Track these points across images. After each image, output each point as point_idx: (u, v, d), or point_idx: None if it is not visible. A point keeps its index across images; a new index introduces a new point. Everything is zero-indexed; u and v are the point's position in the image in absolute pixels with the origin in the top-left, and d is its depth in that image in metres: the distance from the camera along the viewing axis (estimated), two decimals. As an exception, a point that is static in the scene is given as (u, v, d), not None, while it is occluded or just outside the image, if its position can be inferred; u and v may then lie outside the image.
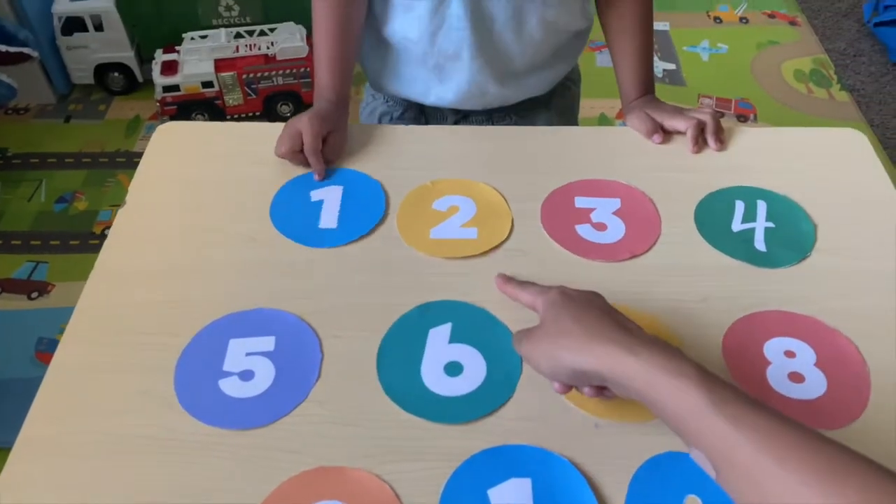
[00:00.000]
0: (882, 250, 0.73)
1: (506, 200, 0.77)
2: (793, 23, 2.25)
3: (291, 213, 0.76)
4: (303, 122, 0.79)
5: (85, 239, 1.56)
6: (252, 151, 0.82)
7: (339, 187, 0.79)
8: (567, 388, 0.57)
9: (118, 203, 0.75)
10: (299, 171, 0.80)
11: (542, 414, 0.60)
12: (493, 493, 0.55)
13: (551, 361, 0.54)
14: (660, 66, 2.06)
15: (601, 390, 0.55)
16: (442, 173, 0.80)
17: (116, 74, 1.86)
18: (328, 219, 0.75)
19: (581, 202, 0.77)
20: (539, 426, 0.59)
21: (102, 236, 1.55)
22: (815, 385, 0.62)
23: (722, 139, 0.83)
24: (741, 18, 2.20)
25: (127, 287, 0.69)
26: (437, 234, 0.74)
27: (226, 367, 0.63)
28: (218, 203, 0.77)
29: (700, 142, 0.83)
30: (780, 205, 0.77)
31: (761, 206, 0.77)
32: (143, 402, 0.60)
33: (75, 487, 0.55)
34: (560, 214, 0.76)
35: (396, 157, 0.82)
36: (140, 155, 0.83)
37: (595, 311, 0.55)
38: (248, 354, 0.64)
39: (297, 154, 0.79)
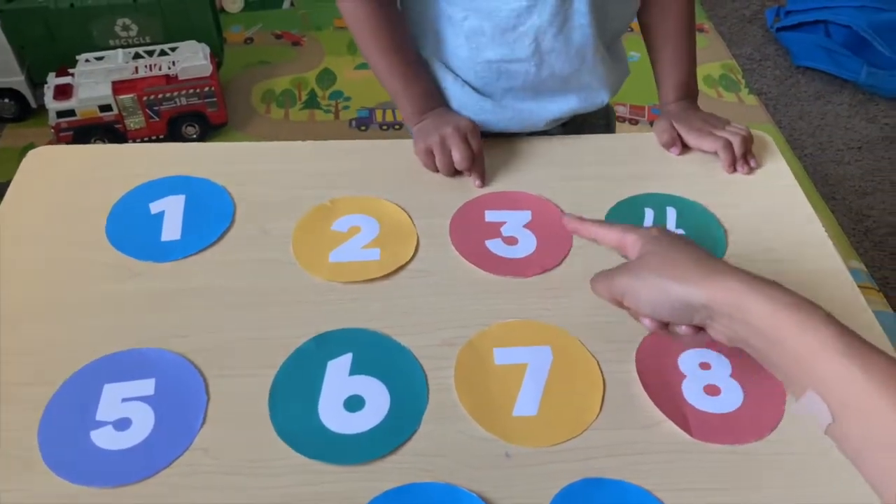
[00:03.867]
0: (792, 252, 0.72)
1: (411, 218, 0.73)
2: (701, 30, 2.30)
3: (132, 229, 0.70)
4: (450, 136, 0.76)
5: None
6: (122, 175, 0.75)
7: (182, 196, 0.74)
8: (662, 325, 0.53)
9: None
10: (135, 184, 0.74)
11: (450, 447, 0.56)
12: (399, 539, 0.51)
13: (656, 292, 0.51)
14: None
15: (698, 330, 0.52)
16: (342, 191, 0.75)
17: (7, 101, 1.74)
18: (171, 230, 0.70)
19: (491, 216, 0.74)
20: (447, 461, 0.55)
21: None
22: (731, 397, 0.60)
23: (751, 163, 0.80)
24: (652, 27, 2.24)
25: (-16, 333, 0.61)
26: (336, 257, 0.69)
27: (99, 417, 0.56)
28: (88, 233, 0.70)
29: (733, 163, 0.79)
30: (689, 211, 0.75)
31: (671, 213, 0.75)
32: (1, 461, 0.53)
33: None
34: (470, 229, 0.72)
35: (293, 175, 0.77)
36: None
37: (696, 248, 0.53)
38: (124, 400, 0.57)
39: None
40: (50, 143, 1.72)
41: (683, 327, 0.52)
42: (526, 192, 0.77)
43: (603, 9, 0.78)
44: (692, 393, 0.60)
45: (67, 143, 1.61)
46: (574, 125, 0.90)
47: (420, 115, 0.81)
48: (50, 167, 0.77)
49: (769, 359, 0.47)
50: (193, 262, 0.68)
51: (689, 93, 0.86)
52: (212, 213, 0.72)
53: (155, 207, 0.73)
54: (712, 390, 0.60)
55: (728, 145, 0.79)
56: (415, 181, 0.77)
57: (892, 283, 1.59)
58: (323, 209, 0.73)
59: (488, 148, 0.80)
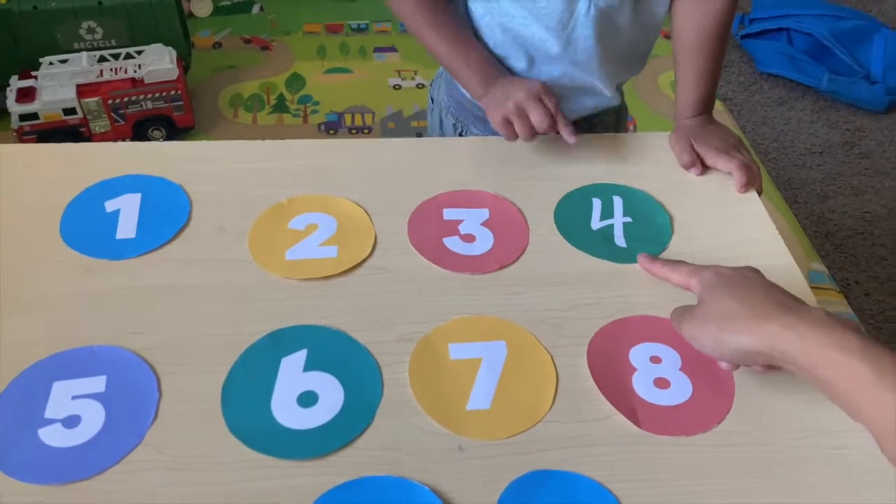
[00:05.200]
0: (739, 245, 0.73)
1: (369, 216, 0.73)
2: (667, 37, 2.33)
3: (87, 228, 0.70)
4: (525, 101, 0.76)
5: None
6: (78, 174, 0.75)
7: (137, 195, 0.73)
8: (735, 366, 0.57)
9: None
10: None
11: (403, 441, 0.56)
12: (349, 533, 0.51)
13: (716, 343, 0.54)
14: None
15: (772, 367, 0.54)
16: (300, 190, 0.75)
17: (-32, 104, 1.71)
18: (126, 228, 0.70)
19: (449, 214, 0.75)
20: (400, 455, 0.55)
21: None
22: (680, 390, 0.61)
23: (755, 187, 0.81)
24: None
25: (-69, 332, 0.60)
26: (293, 254, 0.69)
27: (48, 414, 0.56)
28: (42, 231, 0.69)
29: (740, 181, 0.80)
30: (635, 199, 0.77)
31: (617, 202, 0.76)
32: (-57, 464, 0.52)
33: None
34: (428, 227, 0.73)
35: (253, 173, 0.77)
36: None
37: (754, 288, 0.55)
38: (74, 398, 0.57)
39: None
40: (12, 146, 1.70)
41: (757, 367, 0.55)
42: (483, 190, 0.77)
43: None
44: (642, 386, 0.60)
45: (30, 146, 1.59)
46: (586, 124, 0.92)
47: (486, 86, 0.81)
48: (4, 165, 0.76)
49: (827, 394, 0.49)
50: (148, 260, 0.68)
51: (708, 108, 0.85)
52: (168, 212, 0.72)
53: (110, 206, 0.72)
54: (662, 383, 0.61)
55: (742, 166, 0.79)
56: (373, 180, 0.77)
57: (853, 285, 1.63)
58: (280, 207, 0.73)
59: (450, 150, 0.80)
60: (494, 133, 0.81)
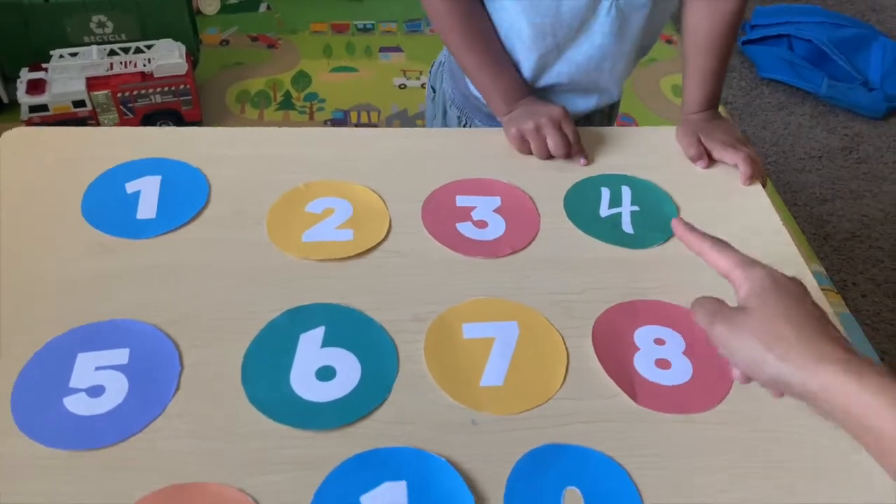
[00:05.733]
0: (745, 236, 0.75)
1: (384, 201, 0.75)
2: (669, 41, 2.36)
3: (107, 208, 0.72)
4: (545, 125, 0.80)
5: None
6: (97, 156, 0.76)
7: (157, 177, 0.75)
8: (748, 379, 0.51)
9: None
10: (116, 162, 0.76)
11: (419, 414, 0.58)
12: (367, 499, 0.52)
13: (751, 360, 0.47)
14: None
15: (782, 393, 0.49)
16: (316, 176, 0.77)
17: (-23, 95, 1.73)
18: (146, 209, 0.72)
19: (462, 201, 0.76)
20: (415, 427, 0.57)
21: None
22: (681, 371, 0.62)
23: (760, 180, 0.82)
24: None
25: (-42, 304, 0.62)
26: (309, 236, 0.71)
27: (72, 384, 0.57)
28: (61, 211, 0.71)
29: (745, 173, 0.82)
30: (643, 189, 0.79)
31: (626, 192, 0.78)
32: (-28, 429, 0.54)
33: None
34: (441, 213, 0.74)
35: (271, 159, 0.79)
36: None
37: (807, 308, 0.48)
38: (98, 369, 0.58)
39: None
40: (21, 138, 1.71)
41: (773, 392, 0.51)
42: (495, 179, 0.79)
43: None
44: (643, 365, 0.62)
45: (39, 137, 1.60)
46: (583, 119, 0.95)
47: (510, 105, 0.84)
48: (25, 148, 0.78)
49: (859, 439, 0.44)
50: (168, 240, 0.69)
51: (714, 104, 0.87)
52: (187, 194, 0.73)
53: (131, 187, 0.74)
54: (663, 364, 0.63)
55: (747, 159, 0.81)
56: (387, 168, 0.79)
57: (850, 287, 1.65)
58: (297, 192, 0.75)
59: (461, 140, 0.82)
60: (499, 126, 0.83)
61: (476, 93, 0.93)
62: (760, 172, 0.82)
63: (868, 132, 2.09)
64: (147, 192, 0.73)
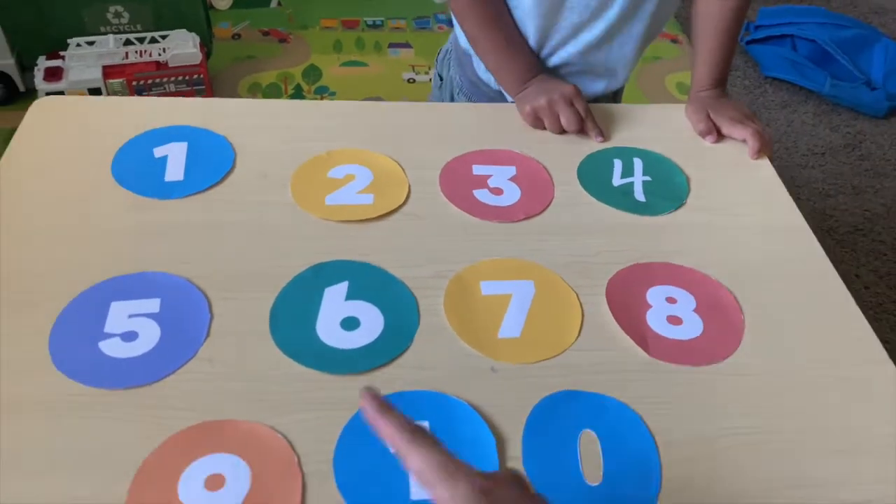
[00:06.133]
0: (755, 206, 0.78)
1: (403, 169, 0.77)
2: (674, 40, 2.39)
3: (136, 170, 0.74)
4: (557, 101, 0.83)
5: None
6: (125, 124, 0.79)
7: (184, 143, 0.77)
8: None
9: None
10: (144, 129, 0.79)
11: (440, 362, 0.60)
12: (392, 438, 0.54)
13: None
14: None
15: None
16: (337, 145, 0.80)
17: (-6, 83, 1.76)
18: (174, 171, 0.74)
19: (478, 170, 0.79)
20: (437, 373, 0.59)
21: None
22: (691, 327, 0.65)
23: (768, 154, 0.85)
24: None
25: (-4, 255, 0.64)
26: (332, 200, 0.73)
27: (107, 329, 0.59)
28: (93, 173, 0.73)
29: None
30: (654, 161, 0.82)
31: (637, 163, 0.81)
32: (12, 367, 0.56)
33: (-69, 455, 0.50)
34: (458, 181, 0.77)
35: (293, 129, 0.81)
36: None
37: None
38: (130, 316, 0.61)
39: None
40: (37, 125, 1.74)
41: None
42: (510, 149, 0.81)
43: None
44: (655, 321, 0.64)
45: (56, 124, 1.63)
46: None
47: (522, 84, 0.87)
48: (55, 115, 0.80)
49: None
50: (196, 200, 0.72)
51: (723, 82, 0.90)
52: (213, 159, 0.76)
53: (159, 152, 0.76)
54: (675, 320, 0.65)
55: (756, 134, 0.84)
56: (405, 139, 0.81)
57: (853, 279, 1.67)
58: (320, 159, 0.77)
59: (476, 114, 0.85)
60: None
61: (484, 77, 0.95)
62: (768, 147, 0.84)
63: (870, 130, 2.11)
64: (174, 157, 0.76)
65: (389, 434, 0.42)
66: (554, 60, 0.91)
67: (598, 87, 0.95)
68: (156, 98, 0.82)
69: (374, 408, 0.43)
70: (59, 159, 0.75)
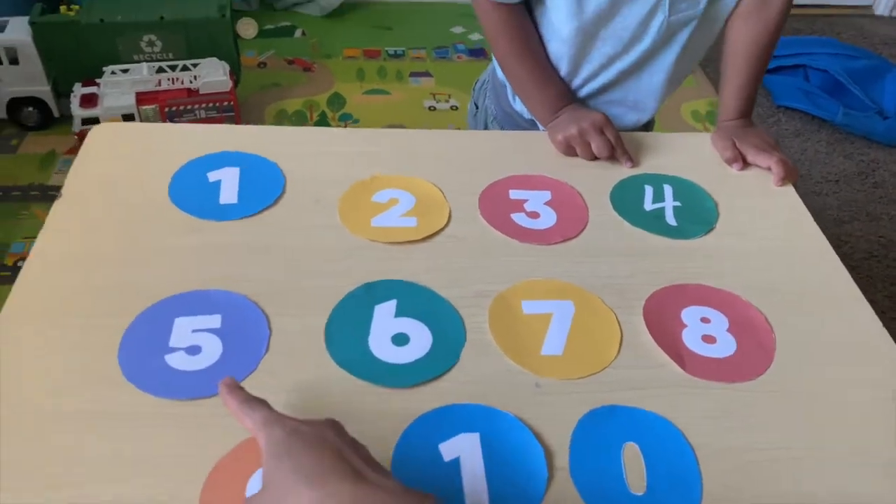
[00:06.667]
0: (781, 233, 0.81)
1: (443, 193, 0.81)
2: (689, 71, 2.44)
3: (192, 193, 0.78)
4: (588, 130, 0.86)
5: (-6, 271, 1.50)
6: (179, 150, 0.83)
7: (236, 168, 0.81)
8: None
9: (33, 235, 0.73)
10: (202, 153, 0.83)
11: (487, 377, 0.63)
12: (444, 448, 0.57)
13: None
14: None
15: None
16: (380, 170, 0.83)
17: (31, 109, 1.81)
18: (228, 195, 0.78)
19: (515, 194, 0.82)
20: (483, 388, 0.62)
21: (14, 268, 1.49)
22: (725, 346, 0.67)
23: (792, 181, 0.88)
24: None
25: (65, 272, 0.68)
26: (378, 222, 0.77)
27: (172, 343, 0.63)
28: (151, 195, 0.77)
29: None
30: (683, 187, 0.85)
31: (668, 189, 0.84)
32: (85, 379, 0.59)
33: (16, 464, 0.53)
34: (496, 205, 0.80)
35: (338, 155, 0.85)
36: (56, 188, 0.82)
37: (327, 452, 0.45)
38: (194, 331, 0.64)
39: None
40: (71, 150, 1.79)
41: None
42: (544, 175, 0.85)
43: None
44: (691, 339, 0.67)
45: (90, 149, 1.68)
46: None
47: (553, 113, 0.91)
48: (114, 141, 0.85)
49: None
50: (250, 223, 0.75)
51: (749, 112, 0.94)
52: (265, 183, 0.80)
53: (212, 176, 0.80)
54: (709, 339, 0.68)
55: (781, 162, 0.87)
56: (444, 165, 0.85)
57: (870, 303, 1.69)
58: (364, 184, 0.81)
59: (511, 141, 0.89)
60: None
61: (519, 108, 0.99)
62: (792, 174, 0.88)
63: (884, 158, 2.15)
64: (228, 181, 0.80)
65: (231, 403, 0.51)
66: (585, 91, 0.95)
67: (628, 119, 0.99)
68: (208, 125, 0.86)
69: (226, 389, 0.52)
70: (119, 182, 0.79)
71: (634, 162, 0.87)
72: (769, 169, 0.88)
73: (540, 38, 0.92)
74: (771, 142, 0.91)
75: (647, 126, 1.07)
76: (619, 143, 0.88)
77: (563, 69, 0.93)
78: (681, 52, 0.92)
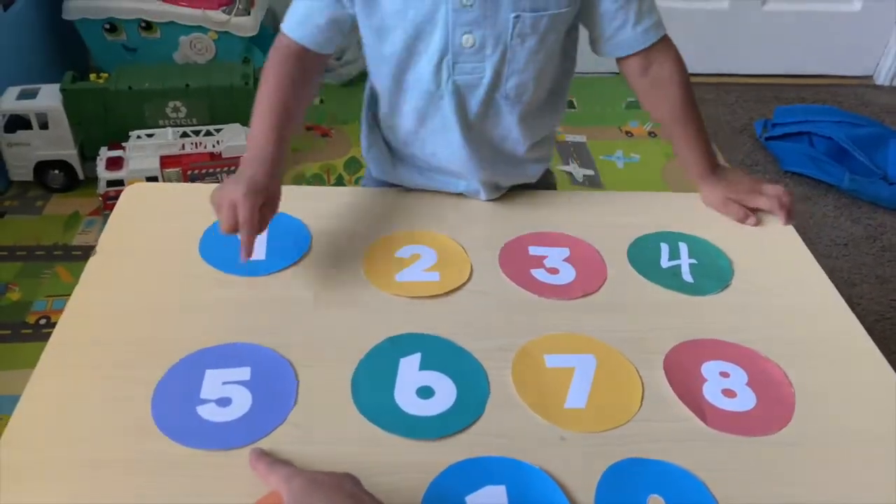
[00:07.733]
0: (793, 289, 0.83)
1: (464, 249, 0.83)
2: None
3: (222, 250, 0.79)
4: (237, 195, 0.72)
5: (17, 329, 1.51)
6: (209, 209, 0.85)
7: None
8: None
9: (55, 294, 0.76)
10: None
11: (511, 430, 0.64)
12: (471, 500, 0.58)
13: None
14: (580, 171, 2.23)
15: None
16: (402, 227, 0.86)
17: (57, 172, 1.86)
18: (256, 251, 0.77)
19: (534, 250, 0.84)
20: (509, 441, 0.63)
21: (37, 326, 1.51)
22: (745, 400, 0.68)
23: (792, 216, 0.92)
24: (650, 133, 2.43)
25: (98, 326, 0.70)
26: (402, 277, 0.79)
27: (203, 395, 0.64)
28: (182, 251, 0.80)
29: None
30: (698, 245, 0.87)
31: (683, 247, 0.86)
32: (118, 429, 0.61)
33: (52, 506, 0.54)
34: (516, 261, 0.83)
35: (361, 213, 0.88)
36: (79, 248, 0.86)
37: (344, 495, 0.51)
38: (224, 383, 0.65)
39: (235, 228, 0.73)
40: (95, 211, 1.83)
41: None
42: (562, 232, 0.87)
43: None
44: (711, 394, 0.68)
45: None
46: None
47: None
48: (146, 200, 0.88)
49: None
50: (278, 278, 0.78)
51: (713, 162, 0.93)
52: (291, 240, 0.82)
53: (241, 234, 0.83)
54: (729, 393, 0.69)
55: (780, 203, 0.90)
56: (463, 223, 0.88)
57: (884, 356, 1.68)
58: (387, 240, 0.84)
59: (525, 198, 0.92)
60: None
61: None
62: (791, 210, 0.91)
63: (891, 222, 2.17)
64: (257, 238, 0.82)
65: (259, 468, 0.57)
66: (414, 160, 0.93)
67: (460, 186, 0.92)
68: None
69: (255, 455, 0.58)
70: (152, 239, 0.81)
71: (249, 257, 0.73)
72: (773, 212, 0.90)
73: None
74: (753, 178, 0.94)
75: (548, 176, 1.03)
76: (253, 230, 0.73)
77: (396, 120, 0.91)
78: (483, 125, 0.87)
